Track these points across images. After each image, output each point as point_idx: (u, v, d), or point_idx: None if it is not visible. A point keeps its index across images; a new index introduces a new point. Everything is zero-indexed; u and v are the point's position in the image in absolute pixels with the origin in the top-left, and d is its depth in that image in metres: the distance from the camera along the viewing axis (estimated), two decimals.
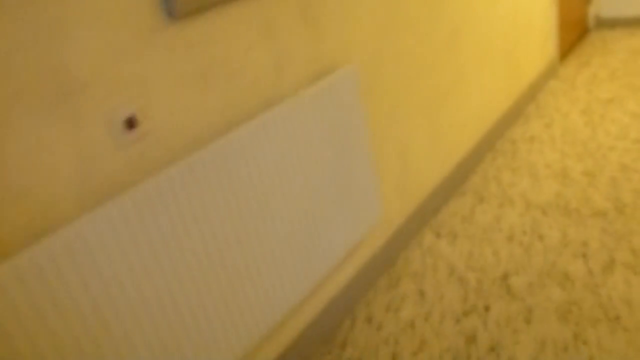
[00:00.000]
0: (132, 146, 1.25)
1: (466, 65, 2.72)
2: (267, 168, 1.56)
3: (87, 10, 1.16)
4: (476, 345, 1.84)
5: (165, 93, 1.33)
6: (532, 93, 3.57)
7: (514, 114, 3.32)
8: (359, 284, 2.12)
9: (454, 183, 2.70)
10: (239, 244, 1.50)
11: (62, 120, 1.13)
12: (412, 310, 2.05)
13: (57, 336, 1.11)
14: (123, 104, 1.23)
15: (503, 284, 2.09)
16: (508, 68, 3.20)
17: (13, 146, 1.06)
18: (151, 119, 1.30)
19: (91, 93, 1.17)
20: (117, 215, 1.19)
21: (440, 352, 1.84)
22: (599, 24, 4.74)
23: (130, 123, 1.23)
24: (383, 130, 2.16)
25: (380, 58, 2.09)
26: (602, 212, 2.36)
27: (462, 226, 2.46)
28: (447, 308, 2.02)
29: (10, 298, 1.04)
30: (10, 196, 1.06)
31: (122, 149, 1.23)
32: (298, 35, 1.68)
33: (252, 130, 1.50)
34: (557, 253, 2.18)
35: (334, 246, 1.87)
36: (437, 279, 2.18)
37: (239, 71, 1.50)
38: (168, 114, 1.34)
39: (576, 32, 4.47)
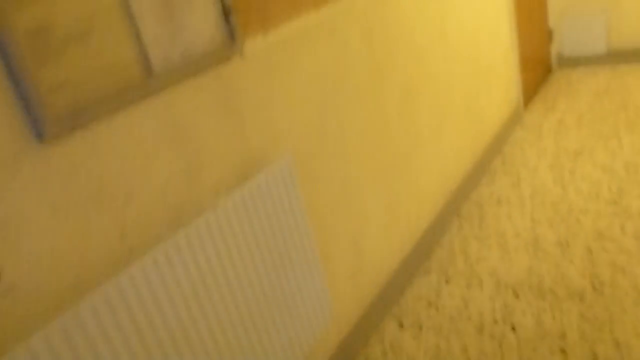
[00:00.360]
0: None
1: (424, 127, 2.51)
2: (182, 295, 1.29)
3: None
4: None
5: (38, 232, 1.06)
6: (498, 146, 3.37)
7: (479, 172, 3.11)
8: None
9: (418, 260, 2.45)
10: None
11: None
12: None
13: None
14: None
15: None
16: (471, 121, 3.00)
17: None
18: (17, 268, 1.02)
19: None
20: None
21: None
22: (561, 63, 4.62)
23: None
24: (331, 218, 1.91)
25: (322, 139, 1.85)
26: (579, 292, 2.14)
27: (427, 313, 2.20)
28: None
29: None
30: None
31: None
32: (217, 132, 1.42)
33: (161, 256, 1.23)
34: (532, 348, 1.94)
35: None
36: None
37: (140, 187, 1.24)
38: (43, 257, 1.07)
39: (539, 72, 4.32)
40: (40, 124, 1.06)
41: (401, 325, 2.17)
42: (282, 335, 1.60)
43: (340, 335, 1.98)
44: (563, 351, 1.90)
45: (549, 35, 4.50)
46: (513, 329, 2.04)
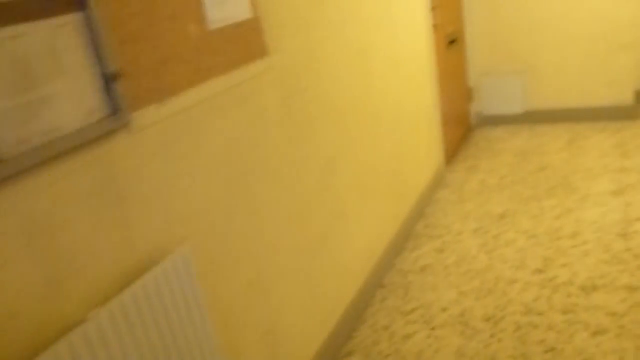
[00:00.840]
0: None
1: (346, 198, 2.34)
2: None
3: None
4: None
5: None
6: (421, 209, 3.26)
7: (403, 238, 2.97)
8: None
9: (339, 342, 2.24)
10: None
11: None
12: None
13: None
14: None
15: None
16: (395, 187, 2.87)
17: None
18: None
19: None
20: None
21: None
22: (481, 122, 4.66)
23: None
24: (241, 309, 1.67)
25: (230, 221, 1.62)
26: None
27: None
28: None
29: None
30: None
31: None
32: (92, 227, 1.17)
33: None
34: None
35: None
36: None
37: None
38: None
39: (460, 131, 4.32)
40: None
41: None
42: None
43: None
44: None
45: (469, 94, 4.54)
46: None
